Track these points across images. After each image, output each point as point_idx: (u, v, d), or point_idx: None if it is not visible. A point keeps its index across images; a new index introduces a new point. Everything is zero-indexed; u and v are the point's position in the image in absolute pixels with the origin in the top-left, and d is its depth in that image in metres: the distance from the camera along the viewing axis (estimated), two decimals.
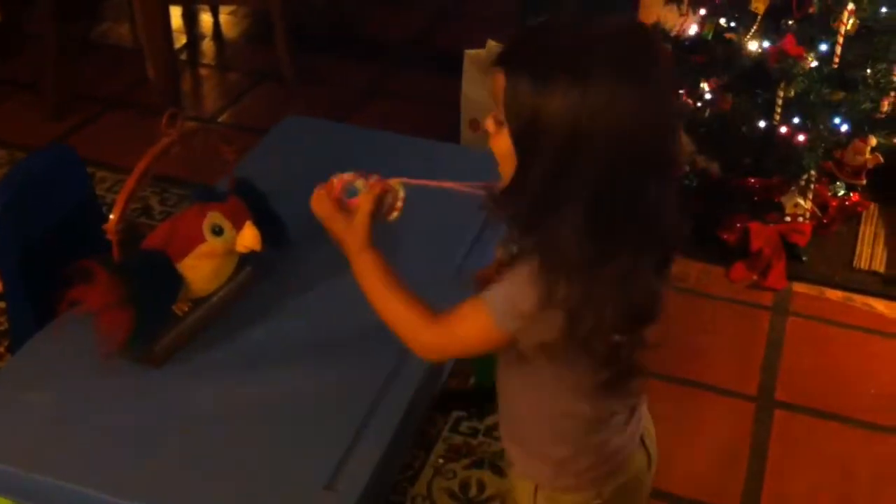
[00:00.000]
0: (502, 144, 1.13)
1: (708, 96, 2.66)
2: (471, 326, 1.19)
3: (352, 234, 1.27)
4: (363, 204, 1.27)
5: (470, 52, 3.03)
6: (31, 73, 3.55)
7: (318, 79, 3.69)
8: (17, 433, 1.36)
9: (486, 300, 1.17)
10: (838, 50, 2.39)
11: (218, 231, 1.43)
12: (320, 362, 1.50)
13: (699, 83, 2.66)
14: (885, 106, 2.50)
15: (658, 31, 2.63)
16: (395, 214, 1.29)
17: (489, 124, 1.16)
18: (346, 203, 1.27)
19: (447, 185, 1.29)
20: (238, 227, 1.44)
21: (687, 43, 2.67)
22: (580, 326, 1.11)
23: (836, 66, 2.41)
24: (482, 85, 2.99)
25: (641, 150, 1.08)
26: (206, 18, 4.10)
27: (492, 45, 2.98)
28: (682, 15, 2.64)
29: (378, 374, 1.47)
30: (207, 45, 4.01)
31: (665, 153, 1.12)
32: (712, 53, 2.61)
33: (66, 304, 1.41)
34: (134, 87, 3.58)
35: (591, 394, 1.24)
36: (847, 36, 2.38)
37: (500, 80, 1.11)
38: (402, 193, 1.28)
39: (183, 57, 3.86)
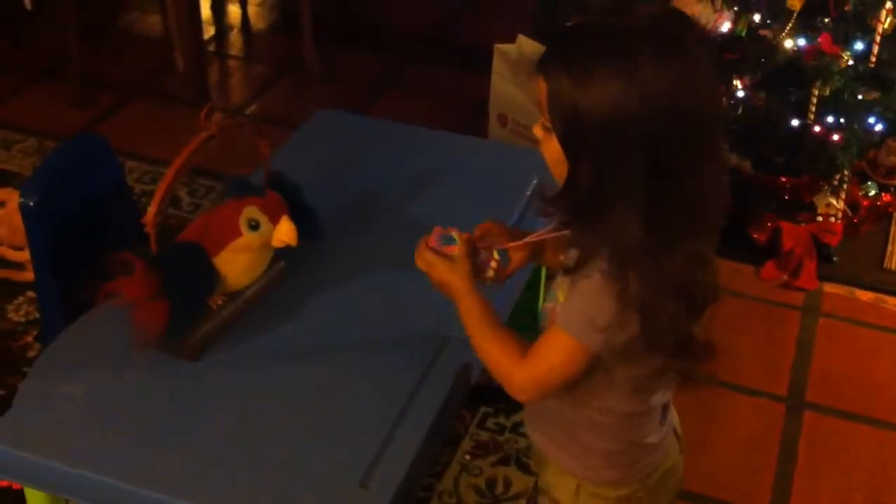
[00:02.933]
0: (553, 150, 1.14)
1: (741, 94, 2.63)
2: (557, 357, 1.19)
3: (455, 275, 1.29)
4: (461, 247, 1.30)
5: (500, 47, 3.01)
6: (54, 61, 3.55)
7: (341, 71, 3.68)
8: (51, 425, 1.36)
9: (564, 325, 1.17)
10: (875, 49, 2.36)
11: (254, 225, 1.42)
12: (354, 357, 1.50)
13: (732, 81, 2.64)
14: None
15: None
16: (490, 274, 1.33)
17: (537, 132, 1.16)
18: (443, 250, 1.31)
19: (538, 236, 1.32)
20: (274, 221, 1.43)
21: (720, 40, 2.64)
22: (655, 322, 1.11)
23: (872, 65, 2.38)
24: (512, 80, 2.98)
25: (691, 130, 1.07)
26: (234, 9, 4.10)
27: (522, 39, 2.96)
28: (715, 11, 2.61)
29: (412, 370, 1.46)
30: (235, 37, 4.00)
31: (713, 132, 1.11)
32: (746, 51, 2.58)
33: (102, 296, 1.40)
34: (161, 76, 3.58)
35: (645, 388, 1.26)
36: (884, 35, 2.35)
37: (542, 85, 1.11)
38: (496, 256, 1.33)
39: (211, 48, 3.86)
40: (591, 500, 1.33)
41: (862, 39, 2.39)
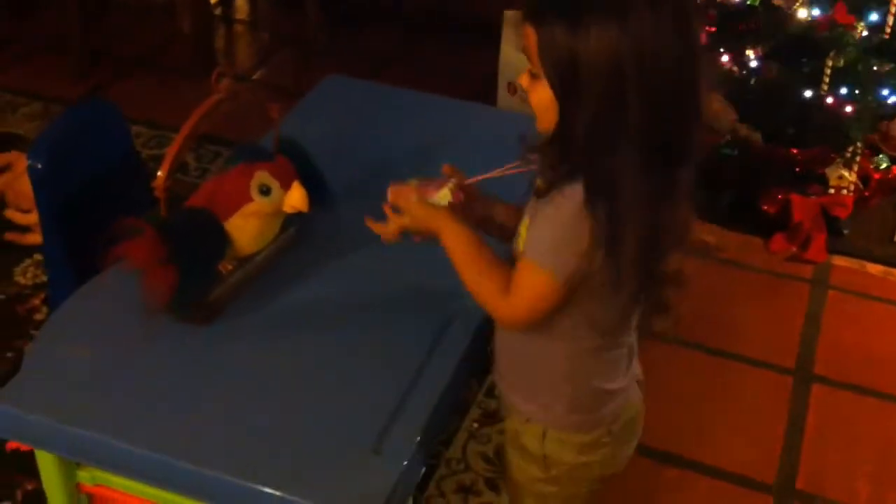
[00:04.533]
0: (542, 96, 1.15)
1: (753, 64, 2.60)
2: (533, 292, 1.21)
3: (433, 209, 1.30)
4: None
5: (509, 13, 2.99)
6: (59, 31, 3.52)
7: (347, 44, 3.64)
8: (60, 388, 1.35)
9: (533, 258, 1.19)
10: (890, 20, 2.32)
11: (265, 191, 1.41)
12: (365, 324, 1.49)
13: (744, 50, 2.61)
14: None
15: None
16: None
17: (523, 80, 1.18)
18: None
19: (495, 174, 1.33)
20: (285, 186, 1.42)
21: (732, 9, 2.62)
22: (620, 258, 1.13)
23: (887, 36, 2.35)
24: (518, 45, 2.95)
25: (682, 74, 1.10)
26: None
27: None
28: None
29: (424, 337, 1.45)
30: (241, 2, 3.96)
31: (699, 75, 1.13)
32: (758, 21, 2.55)
33: (111, 260, 1.39)
34: (164, 43, 3.56)
35: (607, 330, 1.28)
36: None
37: (531, 33, 1.13)
38: (449, 185, 1.32)
39: (217, 12, 3.83)
40: (556, 445, 1.35)
41: (877, 10, 2.35)
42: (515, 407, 1.40)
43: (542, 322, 1.25)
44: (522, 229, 1.25)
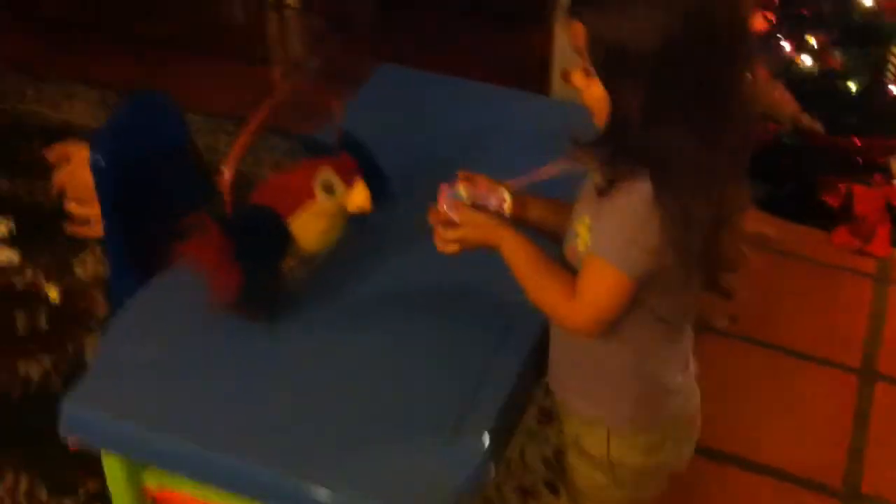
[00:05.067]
0: (596, 92, 1.13)
1: (814, 51, 2.54)
2: (605, 290, 1.18)
3: (489, 219, 1.28)
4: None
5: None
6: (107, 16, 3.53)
7: (398, 24, 3.61)
8: (126, 389, 1.35)
9: (605, 256, 1.16)
10: None
11: (329, 188, 1.39)
12: (426, 322, 1.47)
13: (805, 37, 2.55)
14: None
15: None
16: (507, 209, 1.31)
17: (578, 79, 1.16)
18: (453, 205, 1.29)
19: (542, 175, 1.30)
20: (349, 184, 1.40)
21: None
22: (691, 246, 1.11)
23: None
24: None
25: (731, 44, 1.09)
26: None
27: None
28: None
29: (488, 333, 1.43)
30: None
31: (748, 44, 1.14)
32: (820, 6, 2.48)
33: (175, 258, 1.38)
34: (217, 30, 3.55)
35: (672, 323, 1.26)
36: None
37: (578, 29, 1.11)
38: (506, 197, 1.31)
39: None
40: (621, 448, 1.33)
41: None
42: (576, 411, 1.38)
43: (615, 321, 1.22)
44: (581, 229, 1.23)
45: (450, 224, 1.30)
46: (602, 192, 1.16)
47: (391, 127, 1.85)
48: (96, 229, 2.46)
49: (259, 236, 1.36)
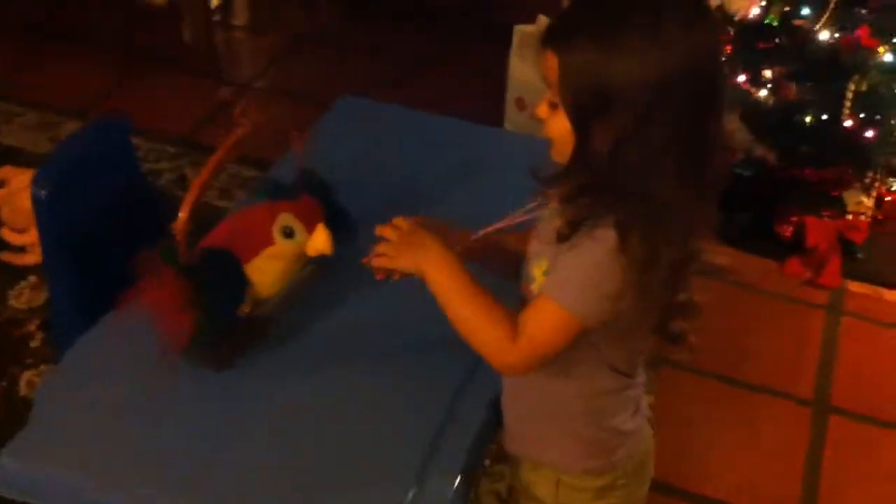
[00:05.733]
0: (560, 126, 1.10)
1: (770, 84, 2.55)
2: (553, 331, 1.14)
3: (434, 241, 1.21)
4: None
5: (519, 28, 2.92)
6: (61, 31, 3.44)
7: (359, 43, 3.57)
8: (73, 440, 1.29)
9: (559, 299, 1.12)
10: None
11: (289, 233, 1.34)
12: (392, 360, 1.43)
13: (762, 70, 2.56)
14: None
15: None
16: None
17: (542, 111, 1.12)
18: None
19: (507, 222, 1.26)
20: (310, 228, 1.36)
21: (750, 28, 2.56)
22: (650, 291, 1.08)
23: None
24: (532, 62, 2.89)
25: (711, 88, 1.07)
26: None
27: (543, 20, 2.87)
28: None
29: (453, 372, 1.40)
30: (240, 5, 3.88)
31: (723, 92, 1.11)
32: (779, 40, 2.50)
33: (126, 301, 1.32)
34: (168, 49, 3.47)
35: (624, 369, 1.23)
36: None
37: (551, 59, 1.07)
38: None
39: (216, 17, 3.75)
40: (571, 493, 1.31)
41: None
42: (527, 456, 1.35)
43: (549, 364, 1.18)
44: (537, 273, 1.20)
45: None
46: (562, 238, 1.12)
47: (349, 161, 1.81)
48: (32, 258, 2.39)
49: (215, 281, 1.31)
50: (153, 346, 1.33)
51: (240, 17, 3.81)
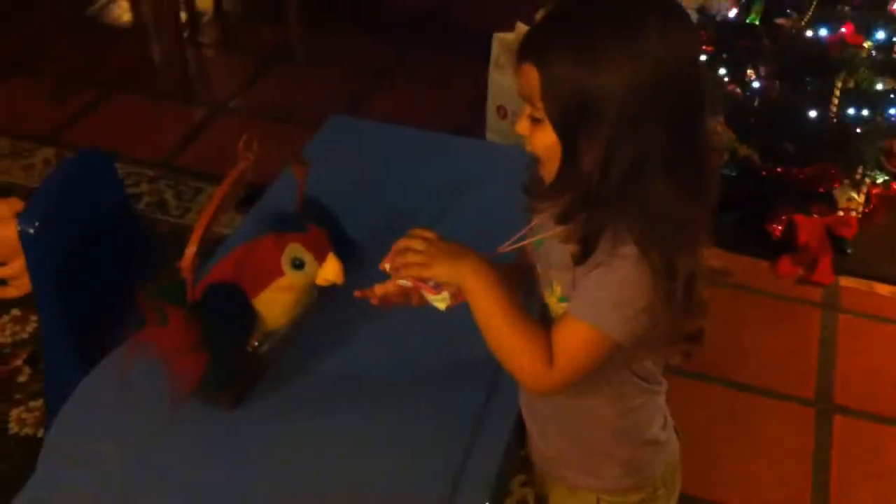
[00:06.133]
0: (546, 140, 1.06)
1: (755, 84, 2.54)
2: (588, 353, 1.10)
3: (469, 254, 1.14)
4: None
5: (499, 36, 2.89)
6: (25, 55, 3.36)
7: (331, 58, 3.52)
8: (82, 492, 1.23)
9: (592, 320, 1.08)
10: None
11: (298, 264, 1.30)
12: (405, 392, 1.39)
13: (744, 70, 2.55)
14: None
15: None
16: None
17: (523, 128, 1.08)
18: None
19: (508, 248, 1.19)
20: (320, 258, 1.31)
21: (731, 28, 2.55)
22: (677, 292, 1.05)
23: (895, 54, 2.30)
24: (511, 70, 2.86)
25: (696, 91, 1.05)
26: None
27: (521, 27, 2.84)
28: None
29: (472, 399, 1.37)
30: (209, 24, 3.81)
31: (705, 98, 1.08)
32: (761, 39, 2.49)
33: (133, 346, 1.27)
34: (137, 69, 3.41)
35: (653, 378, 1.23)
36: None
37: (531, 73, 1.04)
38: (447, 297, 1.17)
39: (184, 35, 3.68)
40: None
41: (884, 28, 2.30)
42: (562, 480, 1.33)
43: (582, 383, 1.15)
44: (550, 300, 1.17)
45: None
46: (579, 261, 1.09)
47: (348, 182, 1.77)
48: (14, 290, 2.31)
49: (224, 319, 1.27)
50: (158, 388, 1.28)
51: (208, 36, 3.74)
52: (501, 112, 2.94)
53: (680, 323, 1.11)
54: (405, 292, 1.20)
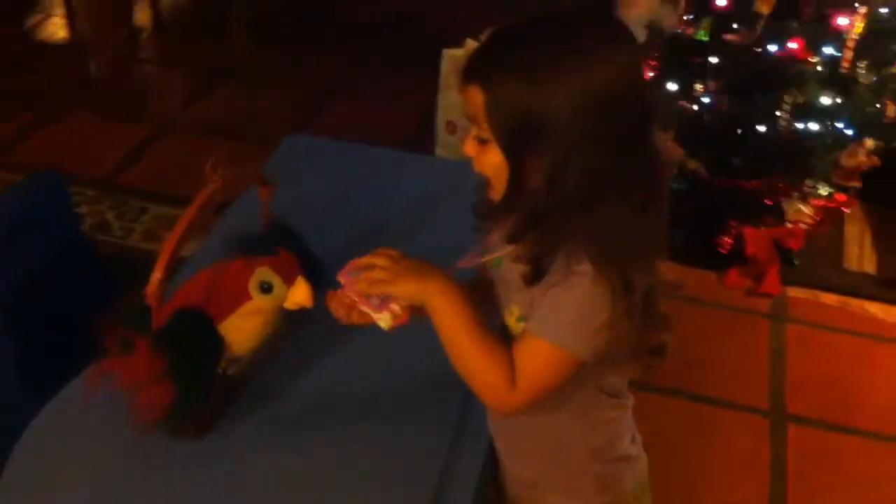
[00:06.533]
0: (493, 160, 1.06)
1: (705, 100, 2.57)
2: (549, 372, 1.11)
3: (434, 270, 1.13)
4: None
5: (448, 52, 2.89)
6: None
7: (277, 75, 3.48)
8: None
9: (551, 338, 1.08)
10: (847, 54, 2.32)
11: (266, 288, 1.27)
12: (379, 412, 1.37)
13: (693, 85, 2.58)
14: (893, 111, 2.46)
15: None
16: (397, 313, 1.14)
17: (470, 148, 1.08)
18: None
19: (464, 265, 1.18)
20: (288, 282, 1.28)
21: (681, 44, 2.58)
22: (636, 306, 1.05)
23: (845, 69, 2.34)
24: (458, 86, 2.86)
25: (640, 108, 1.06)
26: (143, 8, 3.83)
27: (471, 44, 2.84)
28: (678, 13, 2.55)
29: (445, 423, 1.35)
30: (149, 39, 3.74)
31: (654, 107, 1.13)
32: (709, 55, 2.52)
33: (94, 375, 1.22)
34: (76, 87, 3.32)
35: (619, 392, 1.23)
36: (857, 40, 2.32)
37: (476, 94, 1.04)
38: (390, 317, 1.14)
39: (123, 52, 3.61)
40: None
41: (832, 44, 2.35)
42: (534, 502, 1.33)
43: (543, 401, 1.15)
44: (510, 321, 1.16)
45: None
46: (530, 281, 1.09)
47: (307, 202, 1.74)
48: None
49: (192, 348, 1.23)
50: (119, 420, 1.23)
51: (148, 52, 3.67)
52: (451, 128, 2.93)
53: (642, 337, 1.12)
54: (348, 306, 1.17)
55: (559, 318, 1.08)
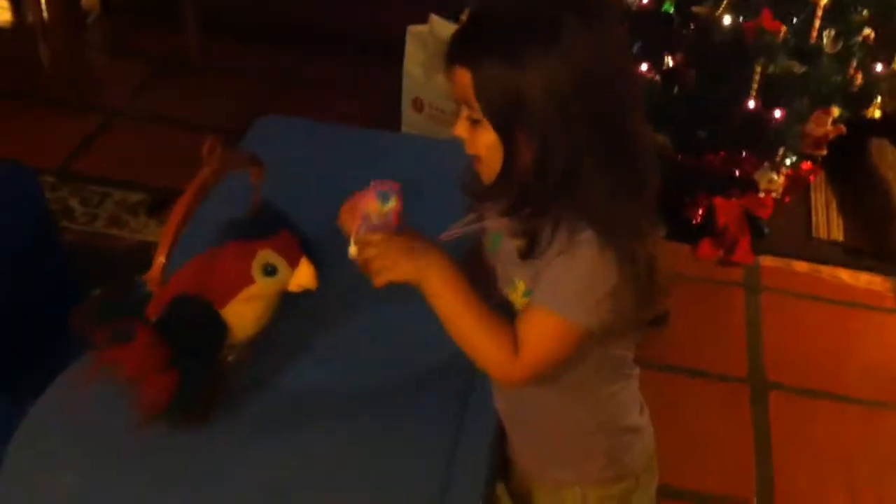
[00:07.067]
0: (486, 140, 1.07)
1: (671, 72, 2.57)
2: (554, 342, 1.11)
3: (430, 245, 1.14)
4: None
5: (412, 28, 2.85)
6: None
7: (231, 62, 3.40)
8: None
9: (558, 309, 1.09)
10: (816, 24, 2.33)
11: (270, 270, 1.23)
12: (378, 397, 1.34)
13: (662, 58, 2.57)
14: (859, 79, 2.48)
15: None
16: None
17: (461, 130, 1.09)
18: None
19: (449, 237, 1.21)
20: (293, 264, 1.24)
21: (646, 17, 2.57)
22: (641, 275, 1.07)
23: (813, 40, 2.36)
24: (427, 62, 2.82)
25: (627, 85, 1.09)
26: None
27: (434, 20, 2.80)
28: None
29: (448, 406, 1.33)
30: (95, 24, 3.63)
31: (637, 86, 1.19)
32: (676, 27, 2.52)
33: (94, 368, 1.17)
34: (23, 73, 3.21)
35: (624, 363, 1.24)
36: (825, 9, 2.33)
37: (463, 75, 1.05)
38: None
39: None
40: (600, 503, 1.31)
41: (801, 14, 2.35)
42: (546, 478, 1.33)
43: (551, 376, 1.16)
44: (513, 296, 1.16)
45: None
46: (526, 255, 1.10)
47: (287, 184, 1.69)
48: None
49: (194, 336, 1.18)
50: (112, 411, 1.20)
51: (94, 36, 3.56)
52: (417, 105, 2.89)
53: (646, 306, 1.13)
54: None
55: (565, 288, 1.08)
